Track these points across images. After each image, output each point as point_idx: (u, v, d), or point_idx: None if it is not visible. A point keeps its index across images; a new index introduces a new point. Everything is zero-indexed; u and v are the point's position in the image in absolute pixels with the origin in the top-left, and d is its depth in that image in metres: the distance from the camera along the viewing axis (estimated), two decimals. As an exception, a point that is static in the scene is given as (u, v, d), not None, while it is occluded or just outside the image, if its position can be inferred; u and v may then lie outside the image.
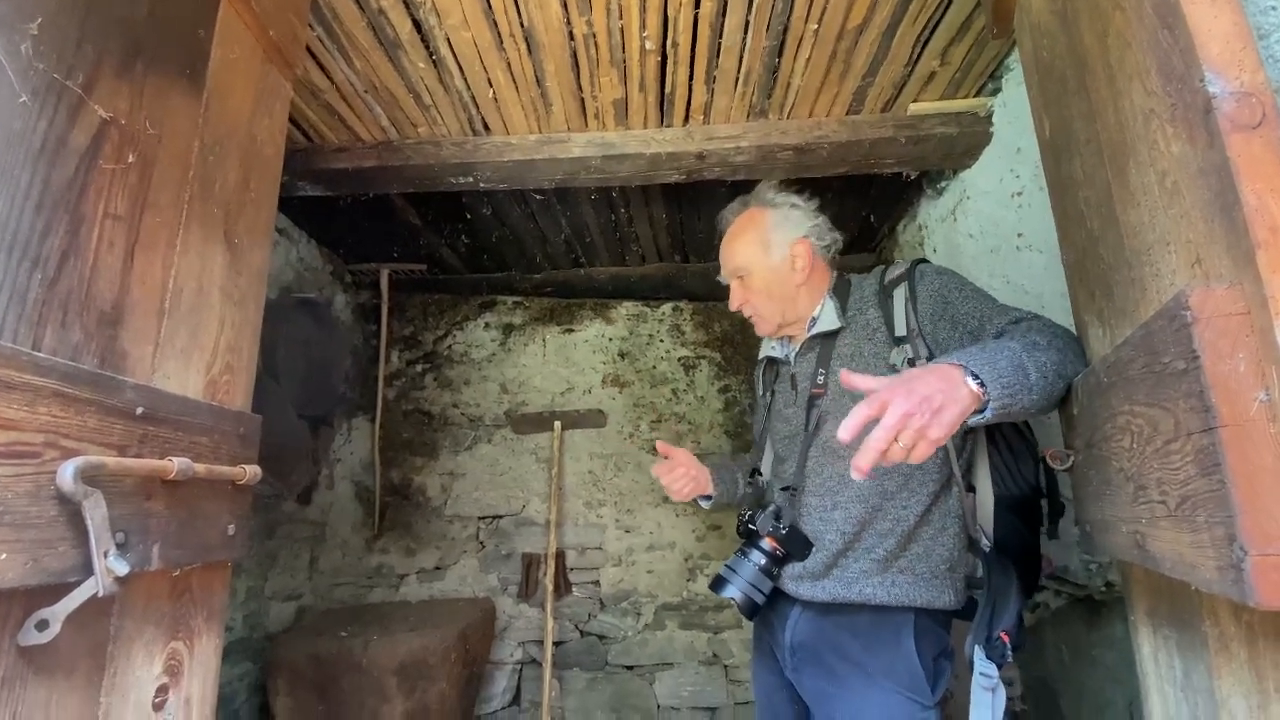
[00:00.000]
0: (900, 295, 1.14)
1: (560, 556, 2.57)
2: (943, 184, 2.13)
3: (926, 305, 1.10)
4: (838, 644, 1.06)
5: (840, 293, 1.24)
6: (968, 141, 1.83)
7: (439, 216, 2.39)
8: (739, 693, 2.46)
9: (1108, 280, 0.77)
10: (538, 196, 2.20)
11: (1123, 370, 0.68)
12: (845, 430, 0.70)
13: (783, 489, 1.21)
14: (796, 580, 1.13)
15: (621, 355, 2.86)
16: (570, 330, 2.91)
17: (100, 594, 0.63)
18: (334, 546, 2.65)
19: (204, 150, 0.91)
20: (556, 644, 2.51)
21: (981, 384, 0.75)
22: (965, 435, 1.12)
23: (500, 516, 2.68)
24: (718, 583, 1.15)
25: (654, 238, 2.59)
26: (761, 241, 1.24)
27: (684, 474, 1.28)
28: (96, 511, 0.64)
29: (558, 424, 2.70)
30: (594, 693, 2.49)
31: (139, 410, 0.73)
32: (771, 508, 1.16)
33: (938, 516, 1.07)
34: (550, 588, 2.43)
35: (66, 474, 0.61)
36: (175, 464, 0.75)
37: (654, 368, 2.84)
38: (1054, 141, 0.94)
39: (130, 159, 0.77)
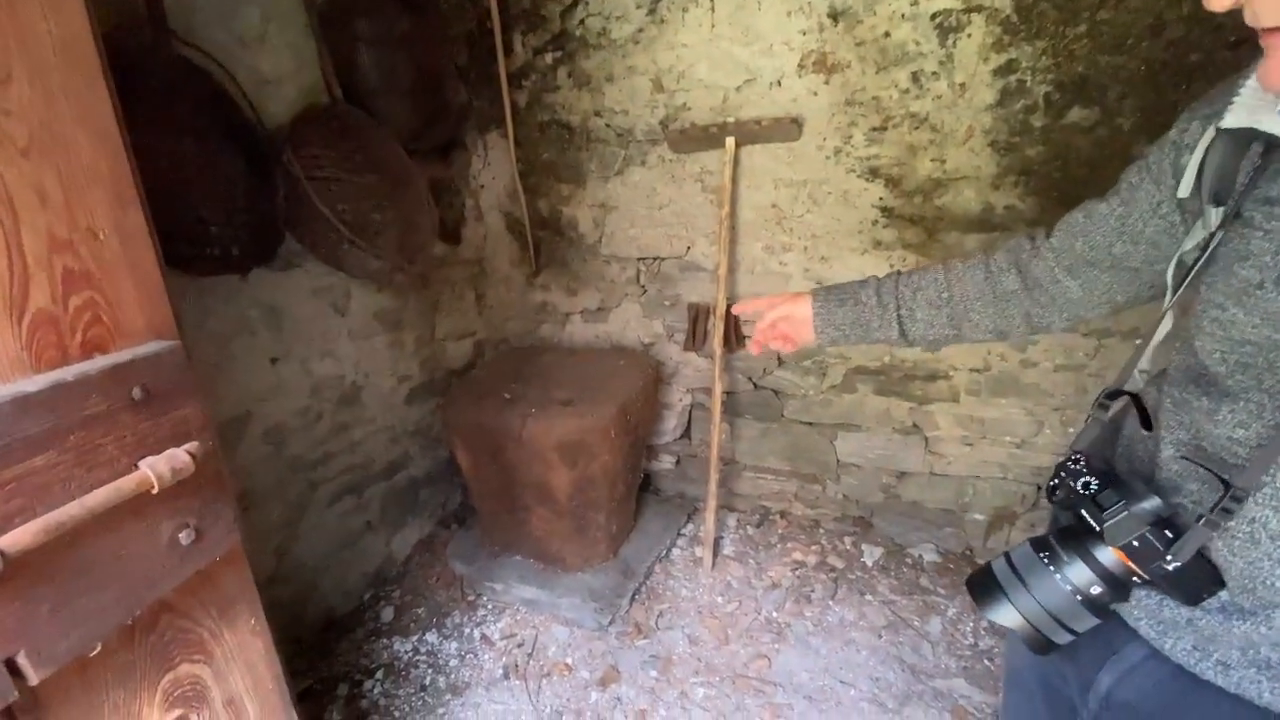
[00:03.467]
0: None
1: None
2: None
3: None
4: None
5: None
6: None
7: None
8: (939, 464, 2.14)
9: None
10: None
11: None
12: None
13: (1195, 463, 0.57)
14: (1159, 624, 0.60)
15: (833, 17, 1.81)
16: (752, -22, 1.86)
17: None
18: (497, 282, 2.52)
19: None
20: (728, 393, 2.31)
21: None
22: None
23: (662, 259, 2.25)
24: (983, 589, 0.66)
25: None
26: None
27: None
28: None
29: (730, 140, 1.95)
30: (767, 440, 2.36)
31: None
32: (1154, 503, 0.56)
33: None
34: (719, 343, 2.10)
35: None
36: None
37: (886, 35, 1.78)
38: None
39: None
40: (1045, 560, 0.62)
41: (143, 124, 1.21)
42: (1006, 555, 0.66)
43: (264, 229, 1.41)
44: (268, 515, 1.66)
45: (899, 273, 0.91)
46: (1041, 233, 0.82)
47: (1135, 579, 0.58)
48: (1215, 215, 0.56)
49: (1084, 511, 0.61)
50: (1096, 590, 0.59)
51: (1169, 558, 0.54)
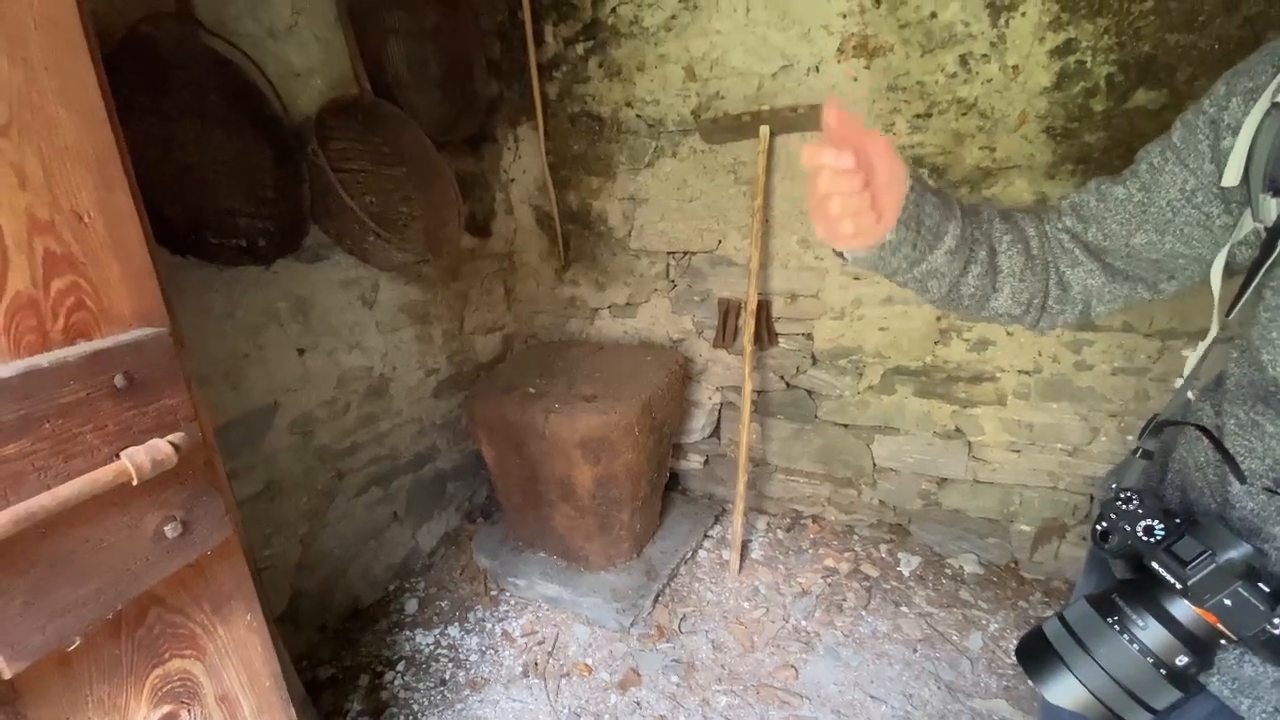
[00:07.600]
0: None
1: (763, 307, 2.08)
2: None
3: None
4: None
5: None
6: None
7: None
8: (983, 471, 2.02)
9: None
10: None
11: None
12: None
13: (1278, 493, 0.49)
14: (1234, 681, 0.52)
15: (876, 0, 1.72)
16: (790, -41, 1.78)
17: None
18: (526, 276, 2.51)
19: None
20: (759, 392, 2.24)
21: None
22: None
23: (692, 253, 2.19)
24: (1033, 656, 0.56)
25: None
26: None
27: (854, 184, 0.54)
28: None
29: (764, 129, 1.87)
30: (799, 441, 2.27)
31: None
32: (1243, 550, 0.47)
33: None
34: (749, 340, 2.03)
35: None
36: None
37: (932, 15, 1.68)
38: None
39: None
40: (1113, 623, 0.53)
41: (169, 115, 1.23)
42: (1065, 618, 0.57)
43: (291, 220, 1.42)
44: (295, 504, 1.69)
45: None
46: (1051, 214, 0.70)
47: (1219, 637, 0.50)
48: (1275, 206, 0.48)
49: (1157, 565, 0.52)
50: (1183, 661, 0.50)
51: (1276, 620, 0.45)
